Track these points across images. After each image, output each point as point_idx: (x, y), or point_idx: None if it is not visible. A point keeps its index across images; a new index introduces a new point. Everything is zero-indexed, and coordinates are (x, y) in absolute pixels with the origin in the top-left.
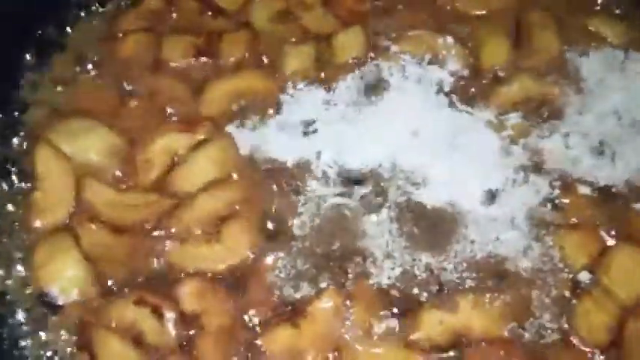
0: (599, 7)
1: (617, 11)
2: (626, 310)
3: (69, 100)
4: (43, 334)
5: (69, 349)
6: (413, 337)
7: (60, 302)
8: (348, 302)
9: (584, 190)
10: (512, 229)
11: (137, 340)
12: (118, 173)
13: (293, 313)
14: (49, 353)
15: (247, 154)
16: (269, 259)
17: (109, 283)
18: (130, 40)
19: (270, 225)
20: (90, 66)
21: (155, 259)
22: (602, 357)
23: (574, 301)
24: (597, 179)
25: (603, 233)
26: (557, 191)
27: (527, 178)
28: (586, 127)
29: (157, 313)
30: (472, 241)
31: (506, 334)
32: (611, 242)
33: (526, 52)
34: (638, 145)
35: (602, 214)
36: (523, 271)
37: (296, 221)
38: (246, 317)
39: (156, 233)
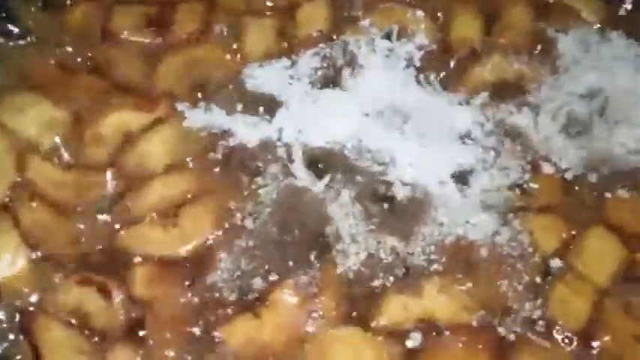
0: None
1: None
2: (602, 292)
3: (12, 73)
4: None
5: (10, 337)
6: (377, 322)
7: None
8: (311, 289)
9: (553, 173)
10: (482, 212)
11: (83, 327)
12: (64, 150)
13: (254, 302)
14: None
15: (204, 134)
16: (228, 245)
17: (52, 264)
18: (78, 9)
19: (229, 209)
20: (36, 38)
21: (102, 242)
22: (578, 343)
23: (547, 287)
24: (567, 162)
25: (573, 217)
26: (526, 174)
27: (497, 160)
28: (557, 108)
29: (104, 292)
30: (441, 224)
31: (473, 321)
32: (580, 226)
33: (498, 29)
34: (608, 127)
35: (572, 197)
36: (492, 256)
37: (256, 206)
38: (202, 306)
39: (104, 215)
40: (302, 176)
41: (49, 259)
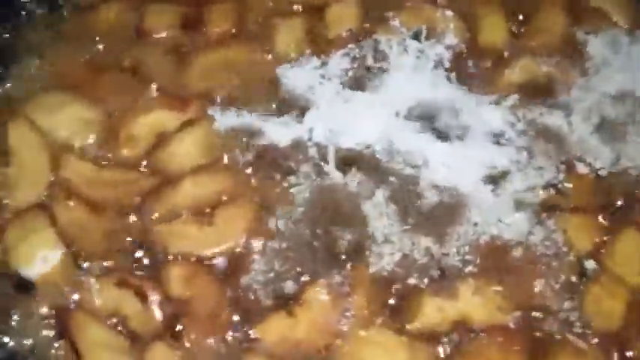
0: None
1: None
2: (635, 293)
3: (46, 72)
4: (18, 323)
5: (48, 337)
6: (412, 324)
7: (34, 286)
8: (345, 289)
9: (587, 173)
10: (516, 212)
11: (120, 325)
12: (98, 149)
13: (288, 301)
14: (28, 342)
15: (236, 134)
16: (262, 245)
17: (89, 264)
18: (111, 9)
19: (263, 209)
20: (69, 37)
21: (137, 240)
22: (612, 344)
23: (582, 288)
24: (601, 162)
25: (606, 218)
26: (561, 174)
27: (531, 160)
28: (589, 109)
29: (141, 294)
30: (475, 224)
31: (509, 322)
32: (614, 227)
33: (529, 31)
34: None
35: (606, 198)
36: (527, 255)
37: (289, 206)
38: (236, 306)
39: (137, 213)
40: (334, 177)
41: (85, 257)
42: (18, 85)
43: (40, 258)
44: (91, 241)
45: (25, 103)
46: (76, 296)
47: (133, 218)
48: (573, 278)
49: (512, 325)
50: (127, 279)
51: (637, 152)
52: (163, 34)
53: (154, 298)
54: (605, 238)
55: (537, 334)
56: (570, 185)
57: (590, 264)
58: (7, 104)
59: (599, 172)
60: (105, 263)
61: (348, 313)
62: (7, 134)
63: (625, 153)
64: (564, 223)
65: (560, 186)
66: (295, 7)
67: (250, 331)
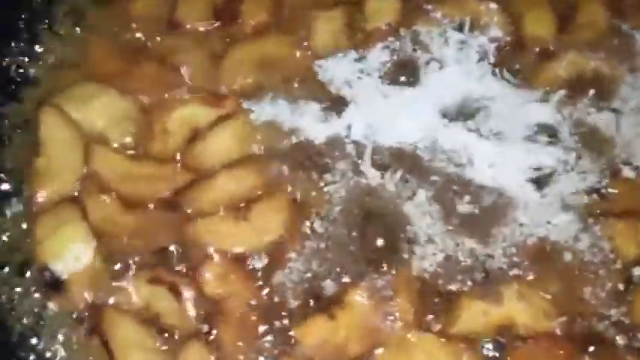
0: None
1: None
2: None
3: (78, 62)
4: (49, 318)
5: (78, 334)
6: (454, 328)
7: (64, 280)
8: (387, 292)
9: (634, 177)
10: (563, 213)
11: (152, 324)
12: (130, 141)
13: (329, 302)
14: (59, 338)
15: (271, 129)
16: (301, 244)
17: (121, 260)
18: None
19: (298, 207)
20: (100, 27)
21: (172, 236)
22: None
23: (629, 295)
24: None
25: None
26: (606, 178)
27: (578, 162)
28: (639, 108)
29: (174, 291)
30: (521, 225)
31: (555, 329)
32: None
33: (574, 26)
34: None
35: None
36: (574, 261)
37: (326, 204)
38: (273, 306)
39: (171, 208)
40: (373, 175)
41: (118, 252)
42: (50, 74)
43: (71, 252)
44: (124, 236)
45: (57, 93)
46: (107, 293)
47: (166, 214)
48: (620, 286)
49: (558, 332)
50: (160, 275)
51: None
52: (196, 25)
53: (188, 295)
54: None
55: (583, 341)
56: (616, 190)
57: (637, 270)
58: (39, 93)
59: None
60: (138, 259)
61: (390, 317)
62: (38, 124)
63: None
64: (610, 230)
65: (603, 191)
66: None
67: (290, 333)
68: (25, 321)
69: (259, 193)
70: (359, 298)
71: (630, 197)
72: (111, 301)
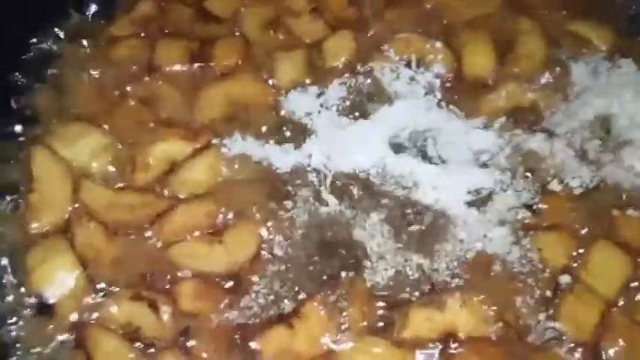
0: (587, 12)
1: (605, 16)
2: (609, 304)
3: (65, 104)
4: (38, 336)
5: (65, 350)
6: (402, 334)
7: (54, 304)
8: (341, 304)
9: (563, 193)
10: (499, 227)
11: (133, 338)
12: (114, 174)
13: (288, 314)
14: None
15: (242, 161)
16: (266, 263)
17: (104, 283)
18: (124, 45)
19: (265, 229)
20: (85, 71)
21: (151, 258)
22: (587, 353)
23: (557, 301)
24: (577, 183)
25: (581, 234)
26: (538, 194)
27: (512, 182)
28: (570, 133)
29: (154, 307)
30: (461, 240)
31: (491, 334)
32: (588, 242)
33: (514, 58)
34: (617, 151)
35: (580, 215)
36: (507, 271)
37: (289, 229)
38: (242, 319)
39: (151, 233)
40: (331, 200)
41: (102, 275)
42: (40, 116)
43: (60, 279)
44: (107, 260)
45: (47, 133)
46: (91, 311)
47: (146, 239)
48: (548, 293)
49: (493, 337)
50: (140, 293)
51: (613, 173)
52: (173, 68)
53: (166, 310)
54: (579, 252)
55: (516, 345)
56: (546, 205)
57: (564, 278)
58: (30, 135)
59: (575, 191)
60: (120, 280)
61: (344, 326)
62: (31, 163)
63: (601, 174)
64: (539, 242)
65: (535, 207)
66: (295, 40)
67: (251, 344)
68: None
69: (231, 219)
70: (315, 308)
71: (558, 212)
72: (95, 318)
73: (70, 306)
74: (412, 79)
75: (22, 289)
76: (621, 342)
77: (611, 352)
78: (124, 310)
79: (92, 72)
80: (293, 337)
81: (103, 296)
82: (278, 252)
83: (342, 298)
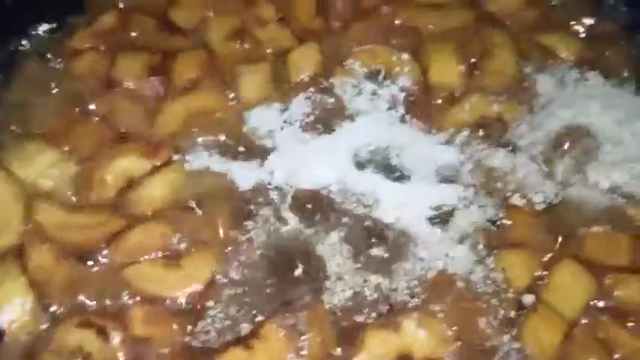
0: (554, 25)
1: (573, 28)
2: (572, 323)
3: (21, 121)
4: None
5: None
6: (358, 358)
7: (5, 330)
8: (300, 326)
9: (528, 209)
10: (462, 245)
11: None
12: (71, 194)
13: (246, 336)
14: None
15: (203, 178)
16: (223, 286)
17: (56, 307)
18: (83, 58)
19: (226, 252)
20: (43, 86)
21: (104, 282)
22: None
23: (520, 321)
24: (541, 198)
25: (544, 252)
26: (501, 211)
27: (475, 197)
28: (534, 147)
29: (103, 334)
30: (421, 259)
31: (447, 356)
32: (552, 261)
33: (481, 72)
34: (581, 166)
35: (545, 233)
36: (469, 292)
37: (251, 246)
38: (197, 344)
39: (106, 254)
40: (292, 219)
41: (53, 300)
42: None
43: (11, 304)
44: (60, 284)
45: (2, 152)
46: (42, 337)
47: (101, 260)
48: (512, 313)
49: (453, 357)
50: (89, 319)
51: (577, 189)
52: (132, 83)
53: (117, 336)
54: (543, 273)
55: None
56: (510, 222)
57: (528, 298)
58: None
59: (539, 207)
60: (70, 305)
61: (302, 352)
62: None
63: (565, 189)
64: (502, 261)
65: (499, 223)
66: (260, 52)
67: None
68: None
69: (190, 241)
70: (274, 329)
71: (521, 227)
72: (46, 345)
73: (20, 332)
74: (374, 93)
75: None
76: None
77: None
78: (73, 336)
79: (52, 87)
80: (252, 358)
81: (55, 321)
82: (234, 275)
83: (301, 321)
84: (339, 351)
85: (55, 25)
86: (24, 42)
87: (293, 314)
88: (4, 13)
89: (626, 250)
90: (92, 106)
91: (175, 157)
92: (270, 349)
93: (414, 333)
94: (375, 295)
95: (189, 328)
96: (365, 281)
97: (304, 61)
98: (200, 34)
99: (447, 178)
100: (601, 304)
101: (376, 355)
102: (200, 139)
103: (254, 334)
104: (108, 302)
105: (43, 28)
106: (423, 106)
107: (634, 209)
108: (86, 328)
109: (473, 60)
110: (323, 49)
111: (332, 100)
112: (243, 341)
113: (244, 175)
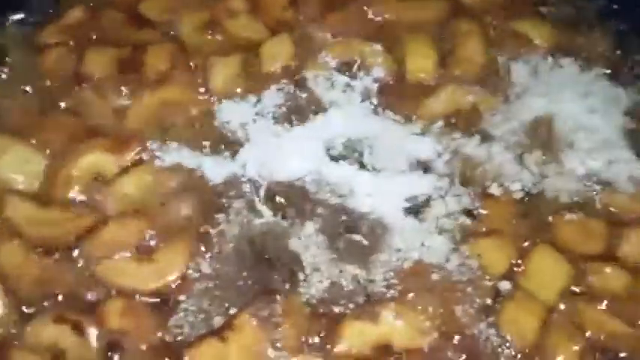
0: (529, 10)
1: (545, 13)
2: (550, 309)
3: None
4: None
5: None
6: (337, 349)
7: None
8: (275, 318)
9: (503, 198)
10: (438, 235)
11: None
12: (40, 189)
13: (219, 328)
14: None
15: (175, 173)
16: (197, 279)
17: (28, 302)
18: (51, 53)
19: (198, 245)
20: (12, 81)
21: (77, 278)
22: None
23: (497, 308)
24: (517, 187)
25: (521, 239)
26: (477, 200)
27: (451, 187)
28: (509, 136)
29: (78, 329)
30: (398, 250)
31: (425, 346)
32: (528, 247)
33: (454, 61)
34: (557, 153)
35: (521, 220)
36: (445, 281)
37: (221, 243)
38: (171, 337)
39: (77, 250)
40: (265, 211)
41: (26, 295)
42: None
43: None
44: (32, 280)
45: None
46: (15, 334)
47: (72, 256)
48: (489, 301)
49: (426, 349)
50: (63, 315)
51: (554, 177)
52: (102, 77)
53: (92, 331)
54: (518, 260)
55: (451, 356)
56: (486, 211)
57: (504, 285)
58: None
59: (515, 196)
60: (44, 301)
61: (278, 344)
62: None
63: (542, 177)
64: (478, 249)
65: (475, 212)
66: (231, 44)
67: (184, 358)
68: None
69: (162, 235)
70: (248, 320)
71: (497, 216)
72: (19, 340)
73: None
74: (347, 85)
75: None
76: (559, 348)
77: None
78: (48, 332)
79: (20, 83)
80: (226, 349)
81: (28, 318)
82: (206, 270)
83: (276, 312)
84: (317, 341)
85: (22, 18)
86: None
87: (267, 305)
88: None
89: (600, 236)
90: (61, 102)
91: (145, 152)
92: (245, 339)
93: (392, 323)
94: (352, 286)
95: (163, 321)
96: (341, 272)
97: (276, 53)
98: (170, 26)
99: (422, 168)
100: (577, 289)
101: (354, 345)
102: (172, 133)
103: (228, 325)
104: (81, 297)
105: (12, 20)
106: (397, 97)
107: (609, 196)
108: (61, 324)
109: (446, 50)
110: (295, 40)
111: (304, 92)
112: (217, 333)
113: (216, 168)
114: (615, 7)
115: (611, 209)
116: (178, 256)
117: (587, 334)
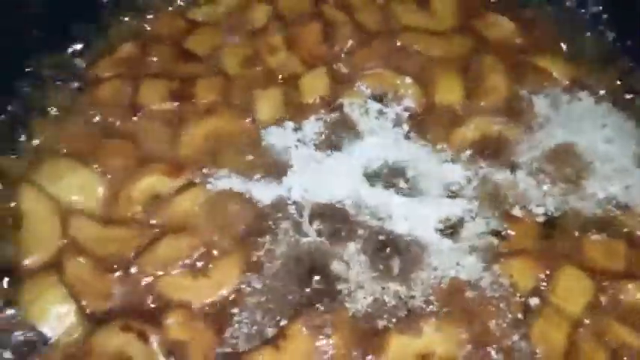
0: (549, 46)
1: (565, 50)
2: (576, 322)
3: (52, 142)
4: None
5: None
6: None
7: (49, 338)
8: (326, 329)
9: (529, 220)
10: (470, 255)
11: None
12: (101, 210)
13: (273, 337)
14: None
15: (225, 196)
16: (249, 293)
17: (94, 315)
18: (107, 85)
19: (249, 262)
20: (73, 110)
21: (138, 291)
22: None
23: (528, 322)
24: (542, 210)
25: (547, 258)
26: (505, 222)
27: (480, 210)
28: (534, 163)
29: (143, 337)
30: (435, 268)
31: (461, 356)
32: (555, 266)
33: (479, 93)
34: (578, 179)
35: (547, 241)
36: (479, 297)
37: (272, 256)
38: (228, 348)
39: (137, 266)
40: (310, 231)
41: (92, 308)
42: (28, 154)
43: (53, 314)
44: (97, 293)
45: (34, 171)
46: (84, 344)
47: (134, 271)
48: (519, 315)
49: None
50: (129, 324)
51: (575, 201)
52: (156, 107)
53: (155, 339)
54: (546, 275)
55: None
56: (513, 232)
57: (534, 300)
58: (18, 172)
59: (540, 219)
60: (110, 313)
61: (327, 354)
62: (19, 200)
63: (565, 201)
64: (509, 268)
65: (503, 233)
66: (273, 77)
67: None
68: None
69: (215, 252)
70: (300, 329)
71: (523, 237)
72: (87, 350)
73: (62, 339)
74: (381, 113)
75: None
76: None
77: None
78: (114, 341)
79: (79, 111)
80: (280, 357)
81: (95, 328)
82: (257, 285)
83: (326, 324)
84: (361, 354)
85: (78, 51)
86: (50, 65)
87: (318, 316)
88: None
89: (621, 256)
90: (118, 129)
91: (198, 176)
92: (297, 348)
93: (433, 336)
94: (394, 302)
95: (219, 333)
96: (383, 289)
97: (314, 86)
98: (215, 60)
99: (453, 192)
100: (601, 305)
101: (398, 357)
102: (220, 159)
103: (281, 334)
104: (142, 309)
105: (69, 53)
106: (428, 125)
107: (628, 218)
108: (128, 332)
109: (472, 83)
110: (331, 73)
111: (341, 119)
112: (270, 342)
113: (263, 192)
114: (628, 43)
115: (630, 230)
116: (231, 271)
117: (611, 345)
